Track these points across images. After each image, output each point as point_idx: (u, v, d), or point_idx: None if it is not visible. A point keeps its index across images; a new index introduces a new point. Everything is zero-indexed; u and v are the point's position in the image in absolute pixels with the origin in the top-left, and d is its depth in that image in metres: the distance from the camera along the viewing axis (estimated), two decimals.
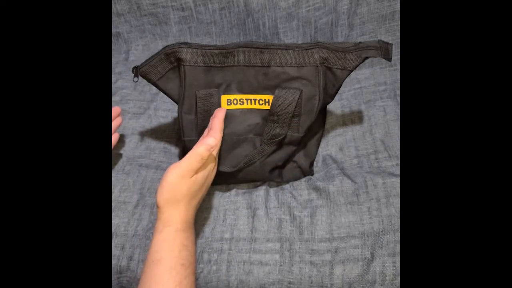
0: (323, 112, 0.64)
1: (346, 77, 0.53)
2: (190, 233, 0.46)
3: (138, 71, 0.51)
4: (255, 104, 0.53)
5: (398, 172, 0.56)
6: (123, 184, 0.57)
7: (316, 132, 0.61)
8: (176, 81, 0.52)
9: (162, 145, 0.64)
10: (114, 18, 0.80)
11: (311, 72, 0.51)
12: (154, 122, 0.68)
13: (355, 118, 0.65)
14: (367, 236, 0.49)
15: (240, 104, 0.53)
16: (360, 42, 0.52)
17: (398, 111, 0.64)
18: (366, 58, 0.51)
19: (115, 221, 0.53)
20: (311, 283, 0.48)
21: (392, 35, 0.71)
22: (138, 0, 0.77)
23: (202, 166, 0.46)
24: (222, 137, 0.49)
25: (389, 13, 0.70)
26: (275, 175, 0.57)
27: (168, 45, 0.50)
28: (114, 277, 0.50)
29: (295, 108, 0.51)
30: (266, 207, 0.53)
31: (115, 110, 0.58)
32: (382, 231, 0.49)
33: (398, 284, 0.47)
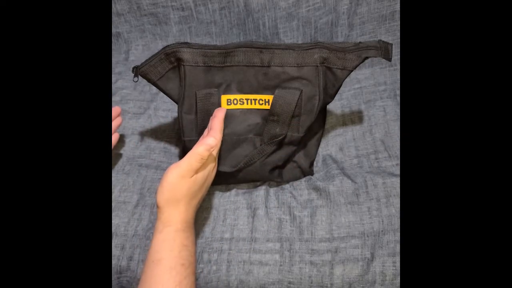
0: (323, 112, 0.64)
1: (346, 77, 0.53)
2: (190, 233, 0.46)
3: (138, 71, 0.51)
4: (255, 104, 0.53)
5: (398, 172, 0.56)
6: (123, 184, 0.57)
7: (316, 132, 0.61)
8: (176, 81, 0.52)
9: (162, 145, 0.64)
10: (114, 18, 0.80)
11: (311, 72, 0.51)
12: (154, 122, 0.68)
13: (355, 118, 0.65)
14: (367, 236, 0.49)
15: (240, 104, 0.53)
16: (360, 42, 0.52)
17: (398, 111, 0.64)
18: (366, 58, 0.51)
19: (115, 221, 0.53)
20: (311, 283, 0.48)
21: (392, 35, 0.71)
22: (138, 0, 0.77)
23: (202, 166, 0.46)
24: (222, 137, 0.49)
25: (389, 13, 0.70)
26: (275, 175, 0.57)
27: (168, 45, 0.50)
28: (114, 277, 0.50)
29: (295, 108, 0.51)
30: (266, 207, 0.53)
31: (115, 110, 0.58)
32: (382, 231, 0.49)
33: (398, 284, 0.47)
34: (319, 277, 0.48)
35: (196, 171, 0.45)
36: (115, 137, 0.58)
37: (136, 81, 0.53)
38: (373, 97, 0.68)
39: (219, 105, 0.52)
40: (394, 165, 0.57)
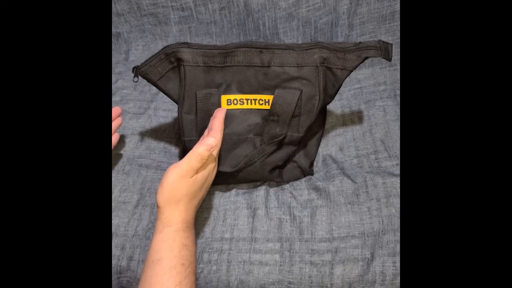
0: (323, 112, 0.64)
1: (346, 77, 0.53)
2: (190, 233, 0.46)
3: (138, 71, 0.51)
4: (255, 104, 0.53)
5: (398, 172, 0.56)
6: (123, 184, 0.57)
7: (316, 132, 0.61)
8: (176, 81, 0.52)
9: (162, 145, 0.64)
10: (114, 18, 0.80)
11: (311, 72, 0.51)
12: (154, 122, 0.68)
13: (355, 118, 0.66)
14: (367, 236, 0.49)
15: (240, 104, 0.53)
16: (360, 42, 0.52)
17: (398, 111, 0.64)
18: (366, 58, 0.51)
19: (115, 221, 0.53)
20: (311, 283, 0.48)
21: (392, 35, 0.71)
22: (138, 0, 0.77)
23: (202, 166, 0.46)
24: (222, 137, 0.49)
25: (389, 13, 0.70)
26: (275, 175, 0.57)
27: (168, 45, 0.50)
28: (114, 277, 0.50)
29: (295, 108, 0.51)
30: (266, 207, 0.53)
31: (115, 110, 0.58)
32: (382, 231, 0.49)
33: (398, 284, 0.47)
34: (319, 277, 0.48)
35: (196, 171, 0.45)
36: (115, 138, 0.58)
37: (136, 81, 0.53)
38: (373, 97, 0.68)
39: (219, 105, 0.52)
40: (394, 165, 0.57)
